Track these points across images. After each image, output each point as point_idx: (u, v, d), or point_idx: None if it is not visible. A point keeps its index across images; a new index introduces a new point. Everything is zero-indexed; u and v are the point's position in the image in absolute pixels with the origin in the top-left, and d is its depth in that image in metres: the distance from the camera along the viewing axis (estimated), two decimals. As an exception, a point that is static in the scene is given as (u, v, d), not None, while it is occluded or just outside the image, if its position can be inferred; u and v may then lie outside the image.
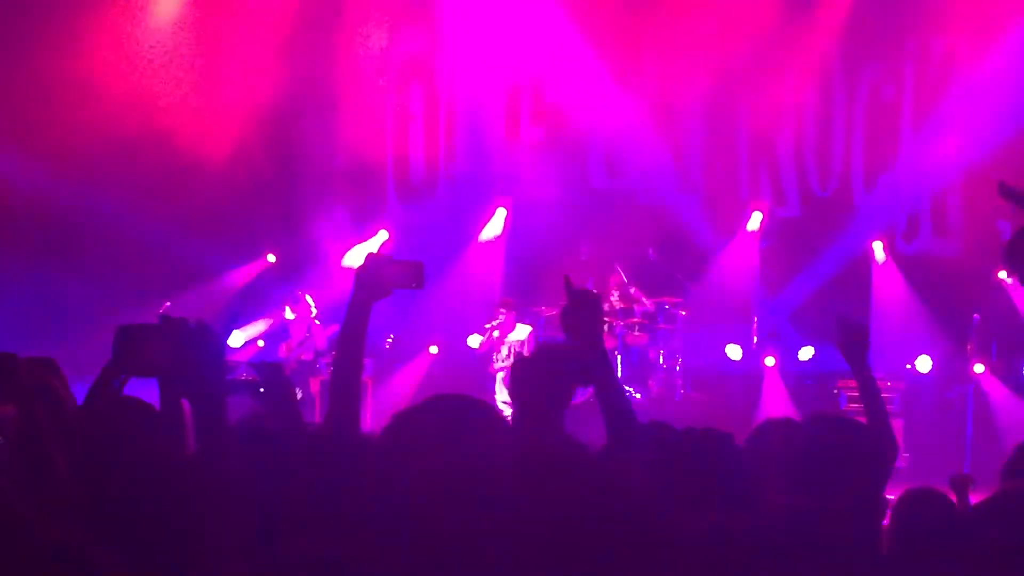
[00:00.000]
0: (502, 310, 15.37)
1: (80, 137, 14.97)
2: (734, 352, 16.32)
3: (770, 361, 16.07)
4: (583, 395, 14.82)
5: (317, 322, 14.89)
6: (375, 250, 16.36)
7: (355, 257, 16.62)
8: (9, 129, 14.84)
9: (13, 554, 2.35)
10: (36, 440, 3.31)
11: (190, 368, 3.34)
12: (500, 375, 14.95)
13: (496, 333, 15.14)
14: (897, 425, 14.76)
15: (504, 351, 15.13)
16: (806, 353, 16.31)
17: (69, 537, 2.41)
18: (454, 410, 3.19)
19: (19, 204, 15.14)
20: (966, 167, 16.17)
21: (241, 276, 17.32)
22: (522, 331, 15.17)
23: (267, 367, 4.09)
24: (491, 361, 15.31)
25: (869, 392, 4.39)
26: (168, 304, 13.30)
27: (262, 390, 4.01)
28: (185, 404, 3.55)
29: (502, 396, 14.55)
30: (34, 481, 3.20)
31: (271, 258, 17.58)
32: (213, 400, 3.31)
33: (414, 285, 4.02)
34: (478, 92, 17.21)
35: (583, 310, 3.97)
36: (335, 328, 14.37)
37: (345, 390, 3.87)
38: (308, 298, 14.98)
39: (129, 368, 3.53)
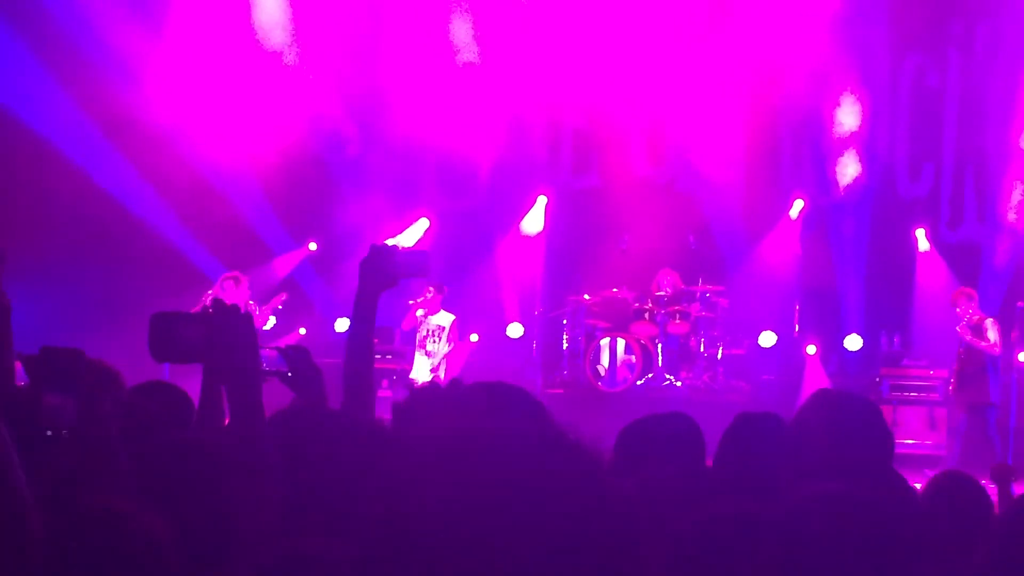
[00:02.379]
0: (430, 289, 14.79)
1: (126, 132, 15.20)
2: (767, 339, 16.24)
3: (811, 349, 16.01)
4: (623, 384, 14.73)
5: (251, 303, 13.74)
6: (387, 241, 16.53)
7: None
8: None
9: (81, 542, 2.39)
10: (99, 432, 3.34)
11: (223, 354, 3.36)
12: (419, 354, 14.70)
13: (420, 312, 14.72)
14: (940, 414, 14.70)
15: (423, 331, 14.74)
16: (853, 342, 16.23)
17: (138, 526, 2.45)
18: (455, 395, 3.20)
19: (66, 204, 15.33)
20: (1011, 154, 16.04)
21: (283, 265, 17.44)
22: (444, 318, 14.69)
23: (294, 351, 4.10)
24: (424, 338, 14.81)
25: None
26: (209, 293, 13.34)
27: (290, 374, 4.03)
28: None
29: (417, 373, 14.49)
30: (97, 472, 3.23)
31: (312, 246, 17.69)
32: (248, 385, 3.33)
33: (421, 273, 4.04)
34: (519, 81, 17.18)
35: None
36: (270, 309, 14.35)
37: (358, 378, 3.89)
38: (234, 281, 13.58)
39: (164, 356, 3.55)
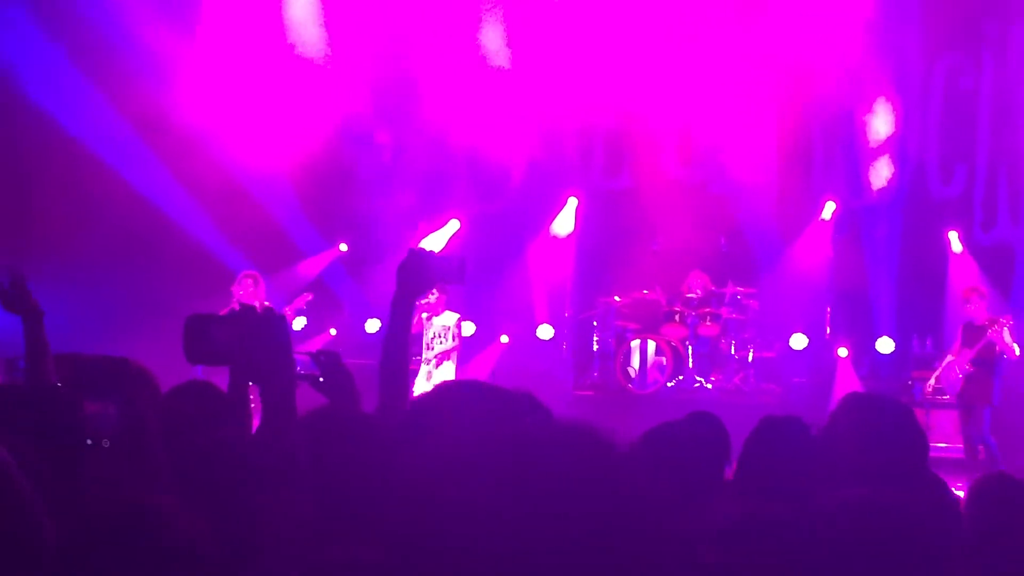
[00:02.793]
0: (433, 291, 14.24)
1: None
2: (798, 342, 16.17)
3: (843, 352, 15.93)
4: (653, 386, 14.72)
5: (266, 303, 13.32)
6: (424, 246, 16.51)
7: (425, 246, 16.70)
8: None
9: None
10: (140, 438, 3.37)
11: (257, 356, 3.38)
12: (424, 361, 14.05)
13: (424, 314, 14.27)
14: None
15: (429, 334, 14.28)
16: (885, 345, 16.14)
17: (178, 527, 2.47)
18: (463, 397, 3.19)
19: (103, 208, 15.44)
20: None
21: (313, 265, 17.50)
22: (449, 317, 14.30)
23: (326, 355, 4.12)
24: (431, 340, 14.31)
25: None
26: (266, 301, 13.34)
27: (322, 379, 4.04)
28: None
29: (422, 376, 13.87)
30: (138, 473, 3.25)
31: (343, 247, 17.74)
32: (281, 387, 3.34)
33: (457, 279, 4.04)
34: (550, 82, 17.16)
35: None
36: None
37: (394, 380, 3.89)
38: (252, 280, 13.44)
39: (198, 357, 3.57)
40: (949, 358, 13.60)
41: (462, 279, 4.05)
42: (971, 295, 13.48)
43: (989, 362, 13.14)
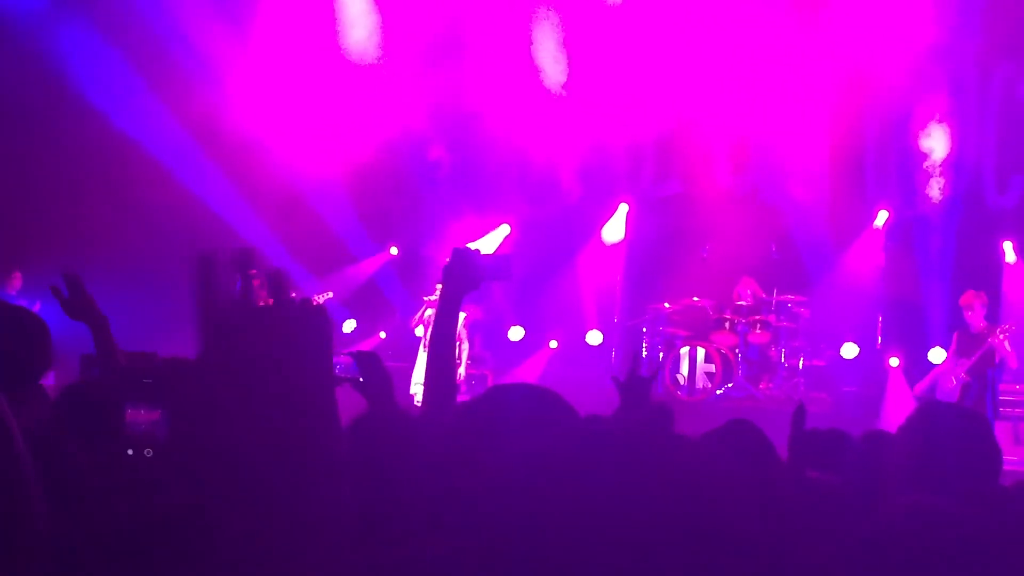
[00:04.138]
0: (440, 286, 14.48)
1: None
2: (849, 351, 16.06)
3: (894, 362, 15.80)
4: (701, 394, 14.61)
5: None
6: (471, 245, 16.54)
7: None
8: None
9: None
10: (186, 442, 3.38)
11: (299, 353, 3.38)
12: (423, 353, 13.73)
13: (428, 312, 14.25)
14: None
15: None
16: (937, 355, 16.00)
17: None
18: (517, 399, 3.19)
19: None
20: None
21: (365, 268, 17.59)
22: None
23: (365, 356, 4.13)
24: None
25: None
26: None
27: (361, 379, 4.05)
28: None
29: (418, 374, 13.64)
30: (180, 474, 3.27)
31: (394, 251, 17.81)
32: (322, 385, 3.35)
33: (503, 277, 4.04)
34: (602, 90, 17.16)
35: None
36: None
37: (440, 380, 3.90)
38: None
39: None
40: (941, 363, 13.41)
41: (508, 277, 4.04)
42: (974, 301, 13.13)
43: (986, 372, 12.93)
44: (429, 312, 14.34)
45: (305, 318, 3.41)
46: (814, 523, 2.51)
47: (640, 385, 4.38)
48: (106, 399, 3.74)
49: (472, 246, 4.09)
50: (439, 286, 14.11)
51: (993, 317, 13.57)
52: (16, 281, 14.74)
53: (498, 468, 1.71)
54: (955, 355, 13.18)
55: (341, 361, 11.74)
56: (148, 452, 3.21)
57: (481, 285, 3.96)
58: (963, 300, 13.29)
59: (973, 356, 12.89)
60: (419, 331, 14.58)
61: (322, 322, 3.42)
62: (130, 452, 3.20)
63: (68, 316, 4.69)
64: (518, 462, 1.70)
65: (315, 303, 3.63)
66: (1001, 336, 12.83)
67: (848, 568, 2.32)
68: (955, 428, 3.52)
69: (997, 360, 12.79)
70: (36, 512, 2.56)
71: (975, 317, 13.03)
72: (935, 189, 16.68)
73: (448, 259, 3.93)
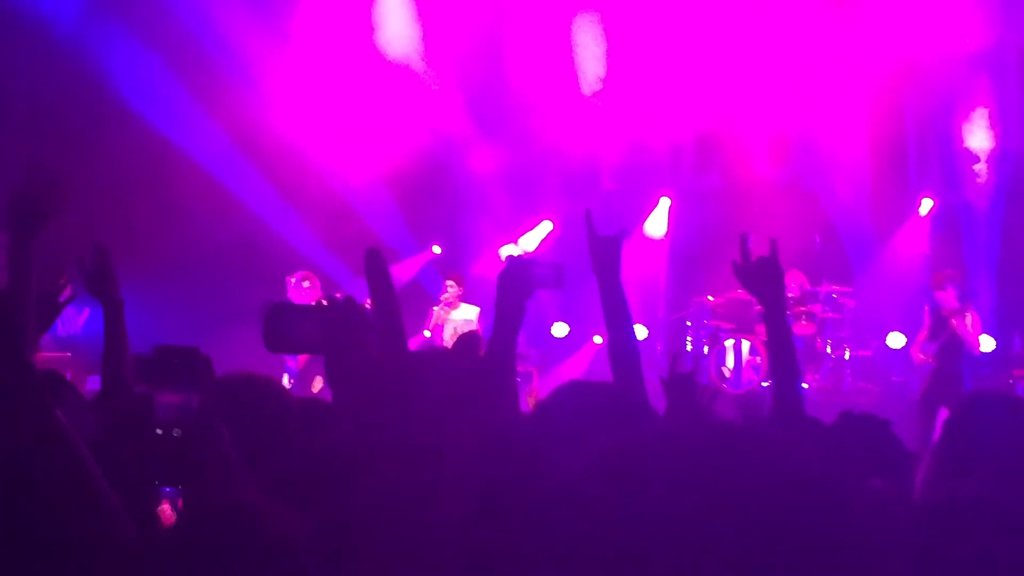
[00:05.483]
0: (450, 283, 14.24)
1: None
2: (896, 340, 15.93)
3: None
4: (748, 386, 14.58)
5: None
6: (518, 252, 16.51)
7: (515, 251, 16.80)
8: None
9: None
10: (211, 430, 3.40)
11: (337, 347, 3.40)
12: None
13: (440, 308, 14.12)
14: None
15: (449, 329, 13.96)
16: (986, 343, 15.83)
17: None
18: (591, 396, 3.20)
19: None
20: None
21: (408, 268, 17.63)
22: (470, 311, 14.08)
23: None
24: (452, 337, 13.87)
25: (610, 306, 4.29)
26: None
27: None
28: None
29: None
30: (208, 467, 3.28)
31: (436, 249, 17.85)
32: (358, 378, 3.35)
33: (556, 285, 4.07)
34: (642, 81, 17.12)
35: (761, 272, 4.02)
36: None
37: (504, 387, 3.91)
38: (310, 282, 13.30)
39: (278, 346, 3.59)
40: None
41: (560, 285, 4.08)
42: (944, 281, 12.79)
43: (955, 358, 12.64)
44: (442, 312, 14.27)
45: (350, 315, 3.43)
46: (876, 533, 2.51)
47: (683, 383, 4.38)
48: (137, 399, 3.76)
49: (524, 253, 4.11)
50: (449, 284, 14.15)
51: (965, 299, 13.25)
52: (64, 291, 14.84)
53: (576, 468, 1.73)
54: (928, 334, 12.98)
55: None
56: (176, 432, 3.23)
57: (534, 293, 3.98)
58: (934, 279, 13.01)
59: (939, 340, 12.67)
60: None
61: (360, 322, 3.44)
62: (159, 432, 3.21)
63: (87, 290, 4.61)
64: (599, 462, 1.72)
65: (355, 301, 3.65)
66: (962, 318, 12.55)
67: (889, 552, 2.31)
68: (1004, 417, 3.49)
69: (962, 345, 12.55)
70: (113, 512, 2.59)
71: (947, 297, 12.71)
72: (980, 177, 16.53)
73: (503, 268, 3.96)
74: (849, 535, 1.72)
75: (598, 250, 4.24)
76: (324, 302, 3.61)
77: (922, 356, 12.95)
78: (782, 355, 3.96)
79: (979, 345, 12.60)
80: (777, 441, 1.74)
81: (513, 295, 3.88)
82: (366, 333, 3.50)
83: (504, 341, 3.87)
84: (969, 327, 12.50)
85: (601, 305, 4.10)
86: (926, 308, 13.18)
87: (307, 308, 3.75)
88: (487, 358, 3.80)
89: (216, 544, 2.40)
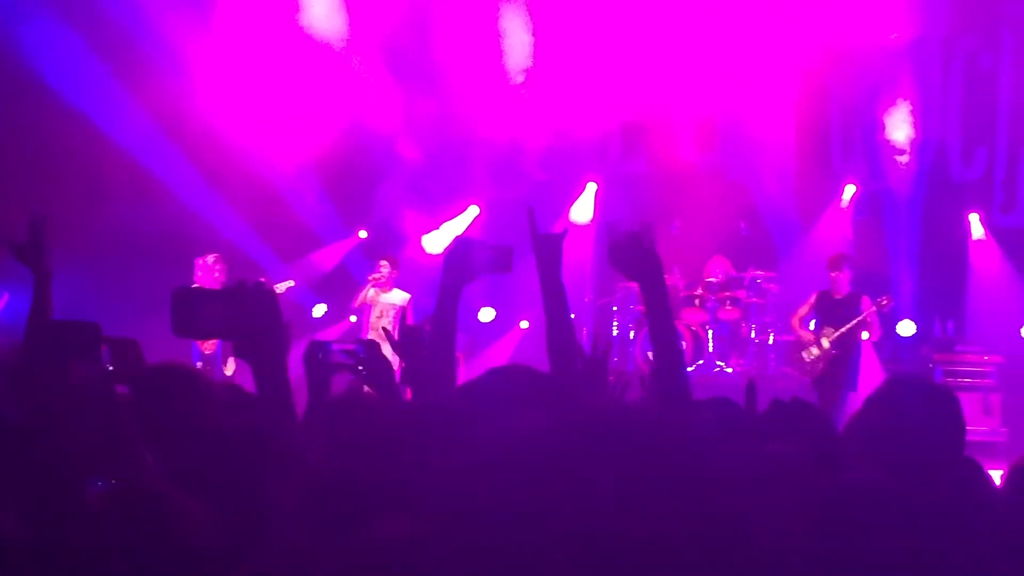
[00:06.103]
0: (384, 263, 14.12)
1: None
2: (907, 328, 15.98)
3: (864, 335, 15.86)
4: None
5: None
6: (463, 232, 16.48)
7: (439, 237, 16.77)
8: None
9: None
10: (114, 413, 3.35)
11: (247, 331, 3.36)
12: (371, 336, 13.03)
13: (372, 291, 13.90)
14: (995, 399, 14.55)
15: (376, 311, 13.85)
16: (906, 328, 16.06)
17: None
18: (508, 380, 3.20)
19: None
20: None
21: (334, 253, 17.53)
22: (398, 296, 13.93)
23: (366, 345, 4.11)
24: (377, 319, 13.85)
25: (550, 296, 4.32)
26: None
27: (361, 368, 4.04)
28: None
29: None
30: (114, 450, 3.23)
31: (363, 234, 17.76)
32: (272, 363, 3.33)
33: (503, 269, 4.02)
34: (567, 68, 17.12)
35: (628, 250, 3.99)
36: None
37: (440, 370, 3.89)
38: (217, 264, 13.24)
39: (185, 331, 3.54)
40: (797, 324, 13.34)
41: (508, 268, 4.04)
42: (841, 262, 13.00)
43: (853, 343, 12.86)
44: (372, 292, 14.16)
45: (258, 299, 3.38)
46: (770, 493, 2.51)
47: (595, 367, 4.37)
48: (45, 357, 3.70)
49: (459, 235, 4.09)
50: (383, 264, 14.07)
51: (859, 285, 13.46)
52: None
53: (496, 449, 1.72)
54: (815, 317, 13.14)
55: (336, 350, 11.61)
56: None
57: (479, 277, 3.94)
58: (831, 261, 13.14)
59: (841, 324, 12.84)
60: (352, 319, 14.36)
61: (272, 303, 3.40)
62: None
63: (15, 257, 4.61)
64: (516, 444, 1.72)
65: (264, 285, 3.60)
66: (875, 311, 12.80)
67: (793, 537, 2.33)
68: (920, 401, 3.53)
69: (863, 332, 12.75)
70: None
71: (843, 281, 12.92)
72: (901, 163, 16.74)
73: (448, 247, 3.91)
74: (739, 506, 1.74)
75: (541, 247, 4.17)
76: (231, 286, 3.55)
77: (797, 329, 13.15)
78: (664, 338, 3.95)
79: (877, 333, 12.82)
80: (660, 422, 1.75)
81: (457, 276, 3.85)
82: (277, 318, 3.46)
83: (443, 322, 3.85)
84: (876, 315, 12.76)
85: (542, 299, 4.05)
86: (815, 294, 13.32)
87: (215, 292, 3.69)
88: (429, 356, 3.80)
89: (121, 532, 2.36)
